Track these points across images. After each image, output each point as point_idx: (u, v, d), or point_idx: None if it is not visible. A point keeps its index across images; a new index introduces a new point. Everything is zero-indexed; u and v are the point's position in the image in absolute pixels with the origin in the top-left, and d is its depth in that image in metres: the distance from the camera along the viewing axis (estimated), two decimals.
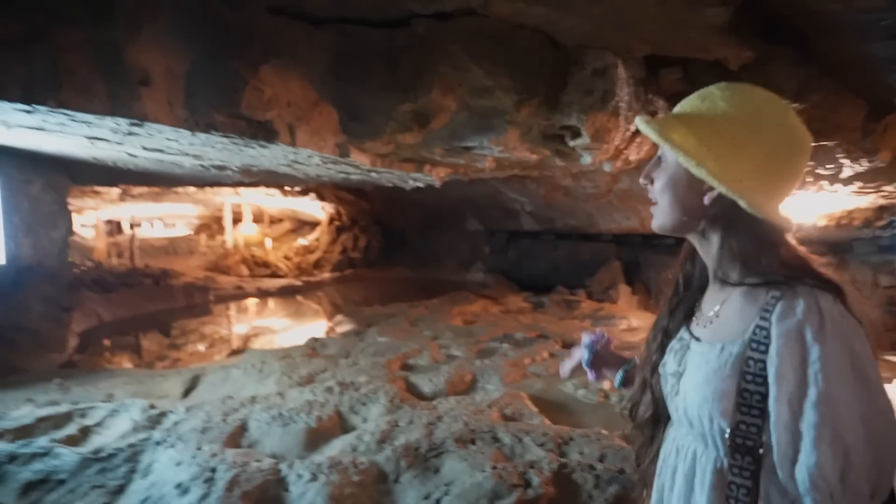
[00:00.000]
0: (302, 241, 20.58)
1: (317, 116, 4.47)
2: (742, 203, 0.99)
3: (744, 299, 1.04)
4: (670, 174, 1.10)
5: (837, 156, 6.13)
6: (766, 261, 1.02)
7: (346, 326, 9.37)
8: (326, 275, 17.29)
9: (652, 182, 1.14)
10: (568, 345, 7.12)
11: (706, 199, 1.06)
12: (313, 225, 21.64)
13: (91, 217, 18.59)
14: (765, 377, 0.95)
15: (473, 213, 15.71)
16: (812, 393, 0.90)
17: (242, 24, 3.78)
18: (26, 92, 3.16)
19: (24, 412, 4.64)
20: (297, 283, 15.80)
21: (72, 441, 4.08)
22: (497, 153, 5.44)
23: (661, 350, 1.22)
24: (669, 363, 1.17)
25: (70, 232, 8.56)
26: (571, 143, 5.26)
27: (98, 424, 4.44)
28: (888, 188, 7.31)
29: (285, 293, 14.82)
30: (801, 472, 0.90)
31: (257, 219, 23.01)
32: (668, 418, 1.21)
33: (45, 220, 7.87)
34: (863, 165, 6.35)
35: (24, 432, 4.24)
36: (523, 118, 4.83)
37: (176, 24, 3.55)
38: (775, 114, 1.07)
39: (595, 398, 4.92)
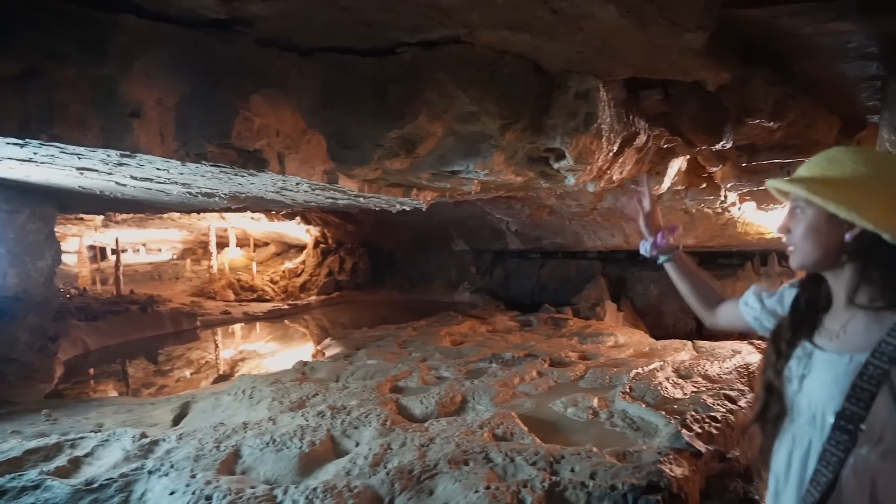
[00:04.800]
0: (288, 265, 20.54)
1: (306, 145, 4.54)
2: (886, 236, 1.22)
3: (869, 319, 1.28)
4: (810, 222, 1.33)
5: None
6: None
7: (334, 350, 9.35)
8: (313, 298, 17.26)
9: (789, 231, 1.38)
10: (556, 363, 7.16)
11: (847, 237, 1.28)
12: (299, 248, 21.61)
13: (74, 243, 18.49)
14: (879, 381, 1.19)
15: (460, 233, 15.80)
16: None
17: (233, 57, 3.87)
18: (21, 127, 3.21)
19: (11, 445, 4.58)
20: (284, 306, 15.76)
21: (62, 472, 4.04)
22: (483, 177, 5.53)
23: (786, 358, 1.44)
24: (794, 367, 1.41)
25: (57, 261, 8.53)
26: (556, 165, 5.36)
27: (89, 455, 4.41)
28: None
29: (272, 317, 14.78)
30: None
31: (242, 243, 22.97)
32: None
33: (31, 250, 7.85)
34: None
35: (13, 465, 4.18)
36: (509, 142, 4.93)
37: (167, 59, 3.63)
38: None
39: (584, 416, 4.96)
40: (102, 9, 3.37)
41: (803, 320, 1.45)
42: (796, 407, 1.39)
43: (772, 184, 1.39)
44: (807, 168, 1.37)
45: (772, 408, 1.46)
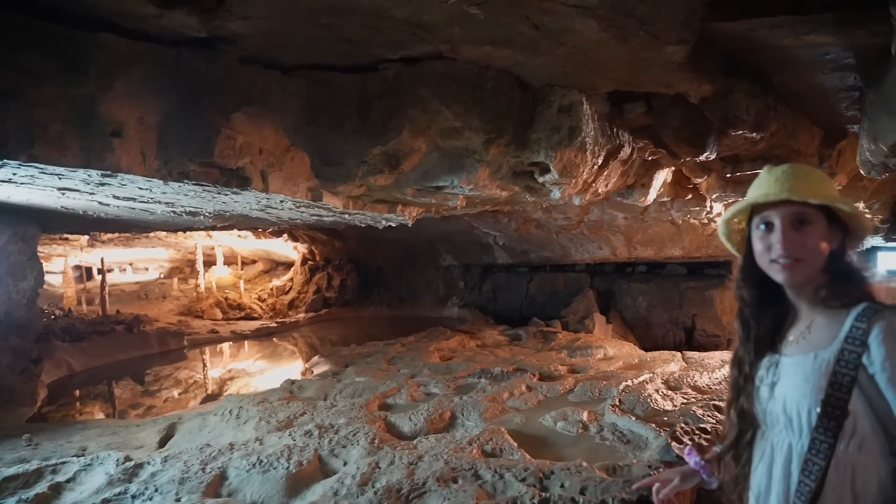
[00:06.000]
0: (276, 283, 20.45)
1: (289, 162, 4.52)
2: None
3: (827, 318, 1.37)
4: (821, 232, 1.36)
5: None
6: (862, 287, 1.36)
7: (322, 367, 9.28)
8: (301, 315, 17.18)
9: (800, 246, 1.35)
10: (545, 377, 7.13)
11: (835, 244, 1.37)
12: (287, 265, 21.54)
13: (59, 264, 18.32)
14: (856, 364, 1.26)
15: (448, 248, 15.79)
16: None
17: (215, 75, 3.85)
18: None
19: None
20: (272, 324, 15.68)
21: (42, 500, 3.96)
22: (468, 192, 5.52)
23: (750, 380, 1.51)
24: (764, 377, 1.47)
25: (40, 283, 8.40)
26: (541, 179, 5.37)
27: (71, 480, 4.32)
28: None
29: (260, 335, 14.70)
30: None
31: (230, 261, 22.85)
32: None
33: (13, 272, 7.74)
34: None
35: None
36: (493, 157, 4.93)
37: (149, 77, 3.60)
38: None
39: (574, 430, 4.94)
40: (82, 28, 3.34)
41: (764, 342, 1.52)
42: (770, 415, 1.43)
43: (788, 196, 1.34)
44: (792, 182, 1.36)
45: (746, 433, 1.51)
